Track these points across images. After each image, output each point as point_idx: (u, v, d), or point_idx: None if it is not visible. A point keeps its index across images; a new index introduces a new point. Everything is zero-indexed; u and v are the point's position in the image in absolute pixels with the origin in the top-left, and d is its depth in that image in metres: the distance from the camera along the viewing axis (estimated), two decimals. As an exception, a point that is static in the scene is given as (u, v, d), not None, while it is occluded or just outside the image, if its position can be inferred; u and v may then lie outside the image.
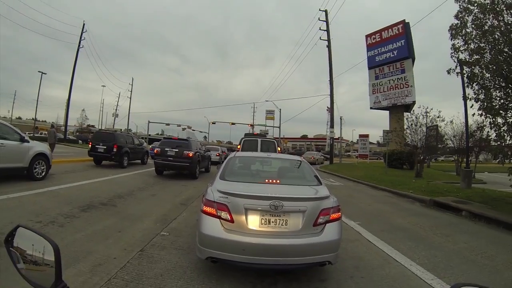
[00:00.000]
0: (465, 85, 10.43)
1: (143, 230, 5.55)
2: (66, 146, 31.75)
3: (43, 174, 9.80)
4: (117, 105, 66.21)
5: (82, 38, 33.93)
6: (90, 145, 16.17)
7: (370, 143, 41.26)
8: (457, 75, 10.35)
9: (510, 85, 8.81)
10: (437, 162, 41.85)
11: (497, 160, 9.75)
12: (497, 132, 9.03)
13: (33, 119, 59.15)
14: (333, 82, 33.19)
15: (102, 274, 3.64)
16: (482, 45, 9.29)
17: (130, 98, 63.27)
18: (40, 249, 0.86)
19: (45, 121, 75.64)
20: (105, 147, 15.68)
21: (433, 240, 6.16)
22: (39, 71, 49.03)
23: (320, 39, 33.31)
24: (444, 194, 11.18)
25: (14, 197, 6.93)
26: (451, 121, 23.10)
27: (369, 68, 33.23)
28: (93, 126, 67.33)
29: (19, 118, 72.14)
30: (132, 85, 63.65)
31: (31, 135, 34.00)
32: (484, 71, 9.25)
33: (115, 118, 66.10)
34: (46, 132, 20.63)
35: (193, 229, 5.04)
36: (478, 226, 7.57)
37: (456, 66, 10.16)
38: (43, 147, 10.28)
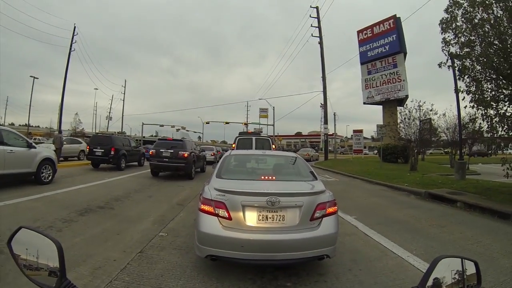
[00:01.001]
0: (457, 78, 10.54)
1: (141, 232, 5.56)
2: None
3: (49, 178, 10.18)
4: (111, 107, 65.60)
5: (74, 41, 33.49)
6: (87, 149, 16.35)
7: (364, 138, 41.37)
8: (449, 68, 10.45)
9: (500, 77, 8.92)
10: (429, 155, 41.96)
11: (490, 151, 9.87)
12: (489, 123, 9.13)
13: (26, 124, 58.67)
14: (326, 78, 33.20)
15: (103, 276, 3.65)
16: (472, 38, 9.38)
17: (123, 100, 62.80)
18: (43, 249, 0.86)
19: (38, 127, 74.76)
20: (102, 150, 15.84)
21: (429, 231, 6.24)
22: (31, 76, 48.83)
23: (312, 35, 33.33)
24: (439, 186, 11.28)
25: (11, 204, 6.92)
26: (444, 114, 23.26)
27: (362, 63, 33.45)
28: (82, 129, 66.64)
29: (12, 124, 71.26)
30: (125, 87, 63.16)
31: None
32: (475, 64, 9.36)
33: (108, 121, 65.56)
34: (52, 138, 21.05)
35: (191, 229, 5.07)
36: (473, 216, 7.66)
37: (447, 60, 10.26)
38: (49, 152, 10.76)
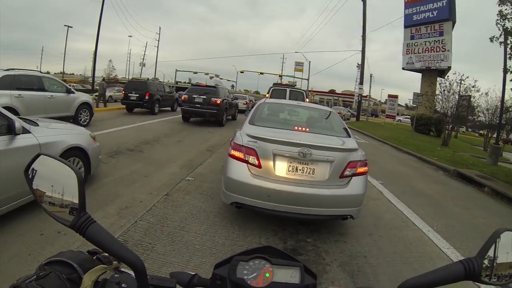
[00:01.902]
0: (507, 56, 9.87)
1: (169, 175, 5.74)
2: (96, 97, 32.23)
3: (87, 121, 10.78)
4: (144, 54, 65.98)
5: (108, -12, 33.04)
6: (123, 94, 16.69)
7: (399, 104, 40.12)
8: (500, 45, 9.78)
9: None
10: (462, 134, 40.42)
11: None
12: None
13: (61, 73, 59.87)
14: (366, 38, 31.79)
15: (129, 216, 3.84)
16: None
17: (158, 47, 62.78)
18: (62, 179, 0.80)
19: (72, 74, 76.22)
20: (137, 95, 16.18)
21: (453, 210, 6.14)
22: (65, 25, 49.37)
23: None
24: (468, 167, 10.95)
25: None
26: (486, 93, 21.91)
27: (405, 27, 31.43)
28: (116, 76, 67.53)
29: (47, 72, 72.90)
30: (159, 34, 62.90)
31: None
32: (531, 43, 8.71)
33: (142, 68, 66.18)
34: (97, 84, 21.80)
35: (218, 175, 5.18)
36: (499, 204, 7.44)
37: (500, 35, 9.58)
38: (87, 97, 11.20)
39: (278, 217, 3.84)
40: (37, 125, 4.06)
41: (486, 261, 0.80)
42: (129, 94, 16.30)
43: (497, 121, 17.05)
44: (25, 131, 3.66)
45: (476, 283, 0.82)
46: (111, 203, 4.20)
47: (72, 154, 4.40)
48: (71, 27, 49.59)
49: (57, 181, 0.81)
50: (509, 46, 9.49)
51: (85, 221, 0.74)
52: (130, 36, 69.77)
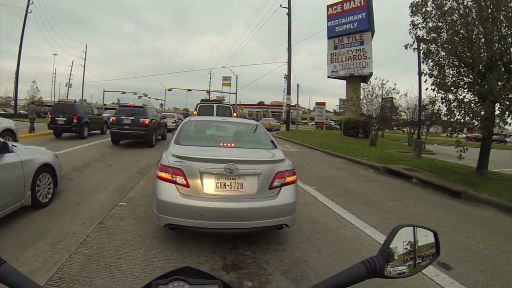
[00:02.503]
0: (421, 61, 10.82)
1: (101, 202, 5.43)
2: (19, 121, 29.85)
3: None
4: (70, 74, 62.37)
5: (30, 2, 31.10)
6: (49, 118, 15.59)
7: (327, 111, 42.03)
8: (414, 51, 10.77)
9: (462, 65, 9.32)
10: (388, 133, 43.43)
11: (446, 134, 10.30)
12: (447, 107, 9.52)
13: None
14: (291, 49, 33.13)
15: (63, 251, 3.55)
16: (440, 24, 9.67)
17: (84, 66, 59.87)
18: None
19: None
20: (65, 118, 15.16)
21: (385, 204, 6.51)
22: None
23: (281, 6, 32.89)
24: (396, 162, 11.74)
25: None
26: (406, 94, 24.02)
27: (329, 37, 33.61)
28: (40, 98, 63.18)
29: None
30: (85, 52, 60.04)
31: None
32: (439, 49, 9.68)
33: (68, 89, 62.42)
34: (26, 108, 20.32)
35: (151, 198, 4.98)
36: (426, 192, 8.05)
37: (413, 42, 10.54)
38: (9, 123, 10.37)
39: (213, 234, 3.81)
40: (16, 146, 4.67)
41: (387, 256, 0.81)
42: (56, 118, 15.18)
43: (417, 118, 18.46)
44: (11, 151, 4.31)
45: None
46: (42, 239, 3.84)
47: (44, 170, 5.03)
48: None
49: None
50: (421, 52, 10.40)
51: None
52: (55, 54, 65.77)
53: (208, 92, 57.03)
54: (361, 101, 23.19)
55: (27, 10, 30.71)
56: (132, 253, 3.58)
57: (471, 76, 9.22)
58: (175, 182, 3.53)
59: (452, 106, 9.38)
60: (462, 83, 9.50)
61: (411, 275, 0.86)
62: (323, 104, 36.60)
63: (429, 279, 3.32)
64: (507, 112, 8.50)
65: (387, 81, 21.26)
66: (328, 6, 33.78)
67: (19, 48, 29.90)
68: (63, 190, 5.95)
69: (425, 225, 0.91)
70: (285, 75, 43.37)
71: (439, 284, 3.25)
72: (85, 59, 60.12)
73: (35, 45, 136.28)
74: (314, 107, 44.30)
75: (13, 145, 4.52)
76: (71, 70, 62.58)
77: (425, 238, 0.90)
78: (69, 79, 62.14)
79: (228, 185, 3.55)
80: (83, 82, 59.41)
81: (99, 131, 18.98)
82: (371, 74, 29.06)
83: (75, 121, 15.26)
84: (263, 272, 3.31)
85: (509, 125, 9.71)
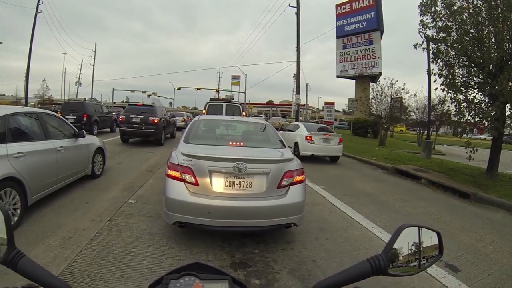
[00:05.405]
0: (430, 60, 10.71)
1: (110, 200, 5.50)
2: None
3: None
4: (80, 73, 62.64)
5: (40, 2, 31.44)
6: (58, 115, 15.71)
7: (336, 110, 41.78)
8: (423, 51, 10.61)
9: (472, 65, 9.17)
10: (398, 133, 43.12)
11: (457, 134, 10.21)
12: (457, 107, 9.42)
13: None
14: (300, 49, 32.99)
15: (73, 247, 3.61)
16: (449, 24, 9.54)
17: (94, 65, 59.97)
18: None
19: (3, 95, 70.52)
20: (75, 117, 15.37)
21: (394, 204, 6.49)
22: None
23: (289, 6, 32.76)
24: (405, 162, 11.67)
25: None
26: (415, 94, 23.77)
27: (338, 37, 33.46)
28: (50, 97, 63.84)
29: None
30: (95, 51, 60.15)
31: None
32: (449, 49, 9.55)
33: (78, 87, 63.00)
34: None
35: (160, 196, 5.02)
36: (435, 193, 7.99)
37: (423, 42, 10.39)
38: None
39: (222, 232, 3.85)
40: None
41: (391, 256, 0.83)
42: (66, 117, 15.28)
43: (427, 118, 18.31)
44: (84, 136, 6.50)
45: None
46: (52, 235, 3.92)
47: (98, 151, 7.22)
48: (1, 43, 46.18)
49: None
50: (431, 51, 10.30)
51: (15, 255, 0.75)
52: (65, 54, 65.98)
53: (217, 91, 57.08)
54: (370, 101, 23.06)
55: (37, 10, 30.96)
56: (141, 249, 3.63)
57: (481, 76, 9.10)
58: (184, 181, 3.57)
59: (462, 106, 9.29)
60: (472, 83, 9.38)
61: (414, 274, 0.88)
62: (332, 103, 36.23)
63: (437, 281, 3.31)
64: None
65: (396, 81, 21.10)
66: (337, 6, 33.61)
67: (30, 47, 30.16)
68: (72, 187, 6.04)
69: (431, 226, 0.93)
70: (294, 74, 43.35)
71: (446, 286, 3.24)
72: (94, 58, 60.33)
73: (45, 45, 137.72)
74: (323, 107, 44.02)
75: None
76: (80, 69, 62.78)
77: (430, 239, 0.91)
78: (79, 78, 62.60)
79: (237, 184, 3.58)
80: (92, 80, 59.70)
81: (108, 129, 19.19)
82: (380, 73, 28.90)
83: (84, 119, 15.52)
84: (271, 270, 3.33)
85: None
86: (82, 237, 3.90)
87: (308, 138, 11.82)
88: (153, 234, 4.08)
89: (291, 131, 13.63)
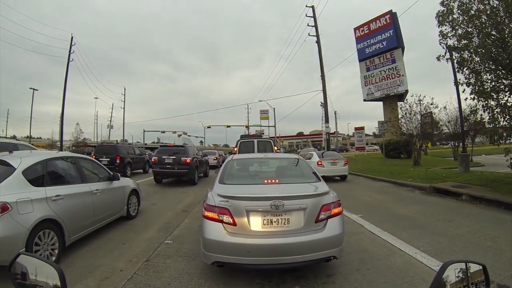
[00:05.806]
0: (456, 70, 10.52)
1: (147, 240, 5.56)
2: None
3: None
4: (111, 116, 65.82)
5: (71, 52, 33.71)
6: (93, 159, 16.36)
7: (366, 134, 41.35)
8: (447, 61, 10.42)
9: (500, 67, 8.86)
10: (432, 149, 41.91)
11: (494, 142, 9.79)
12: (490, 114, 9.08)
13: (27, 136, 58.86)
14: (325, 77, 33.19)
15: (110, 287, 3.65)
16: (469, 29, 9.34)
17: (124, 108, 62.89)
18: (44, 274, 0.84)
19: (40, 138, 74.86)
20: (108, 159, 15.97)
21: (436, 226, 6.21)
22: (30, 88, 49.31)
23: (309, 35, 33.14)
24: (443, 180, 11.24)
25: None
26: (445, 107, 23.27)
27: (360, 60, 33.57)
28: (84, 139, 66.66)
29: (14, 136, 71.51)
30: (124, 95, 63.30)
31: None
32: (473, 55, 9.31)
33: (110, 130, 65.77)
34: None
35: (197, 235, 5.05)
36: (479, 208, 7.61)
37: (445, 53, 10.21)
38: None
39: (261, 270, 3.80)
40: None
41: None
42: (100, 159, 15.91)
43: (460, 130, 17.76)
44: (119, 179, 6.78)
45: None
46: (90, 275, 3.99)
47: (132, 193, 7.39)
48: (37, 90, 49.35)
49: (38, 276, 0.82)
50: (455, 61, 10.10)
51: None
52: (96, 98, 69.52)
53: (247, 127, 57.88)
54: (399, 121, 22.67)
55: (68, 59, 33.29)
56: (179, 290, 3.58)
57: (510, 78, 8.76)
58: (221, 221, 3.58)
59: (495, 112, 8.93)
60: (502, 86, 8.99)
61: None
62: (362, 128, 36.11)
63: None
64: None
65: (424, 97, 20.71)
66: (355, 29, 33.97)
67: (63, 93, 32.37)
68: (108, 228, 6.19)
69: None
70: (321, 103, 43.38)
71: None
72: (124, 101, 63.36)
73: (77, 90, 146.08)
74: (353, 132, 43.81)
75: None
76: (111, 112, 65.94)
77: (476, 273, 0.88)
78: (110, 121, 65.64)
79: (274, 221, 3.56)
80: (123, 123, 62.31)
81: (141, 170, 19.64)
82: (406, 91, 28.61)
83: (118, 161, 16.02)
84: (313, 306, 3.22)
85: None
86: (119, 277, 3.94)
87: (319, 163, 14.78)
88: (191, 274, 4.05)
89: (309, 159, 15.23)
